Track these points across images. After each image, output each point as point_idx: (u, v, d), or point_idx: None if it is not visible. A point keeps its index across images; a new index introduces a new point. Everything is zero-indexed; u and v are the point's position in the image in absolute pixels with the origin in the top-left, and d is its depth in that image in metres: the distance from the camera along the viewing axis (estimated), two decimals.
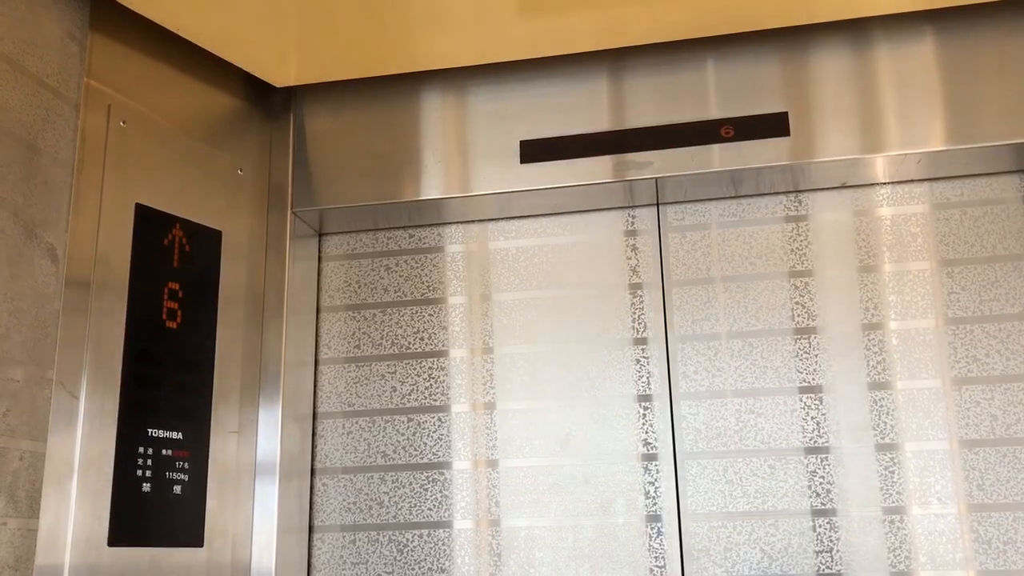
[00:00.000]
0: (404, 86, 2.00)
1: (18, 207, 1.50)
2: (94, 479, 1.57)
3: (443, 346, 2.01)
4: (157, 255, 1.73)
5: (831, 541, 1.78)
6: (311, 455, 2.00)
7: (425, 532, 1.92)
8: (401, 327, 2.04)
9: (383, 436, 1.99)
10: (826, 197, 1.93)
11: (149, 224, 1.73)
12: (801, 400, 1.85)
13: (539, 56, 1.94)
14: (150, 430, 1.66)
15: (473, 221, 2.06)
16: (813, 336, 1.87)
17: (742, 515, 1.82)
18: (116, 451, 1.60)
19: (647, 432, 1.89)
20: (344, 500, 1.97)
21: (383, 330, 2.05)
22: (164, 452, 1.68)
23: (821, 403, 1.84)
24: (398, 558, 1.92)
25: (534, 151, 1.90)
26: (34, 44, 1.57)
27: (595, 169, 1.88)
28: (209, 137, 1.88)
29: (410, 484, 1.95)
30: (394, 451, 1.98)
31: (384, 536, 1.94)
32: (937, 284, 1.86)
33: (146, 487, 1.64)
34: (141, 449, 1.64)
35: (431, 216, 2.04)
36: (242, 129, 1.97)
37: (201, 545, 1.71)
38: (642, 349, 1.93)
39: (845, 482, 1.80)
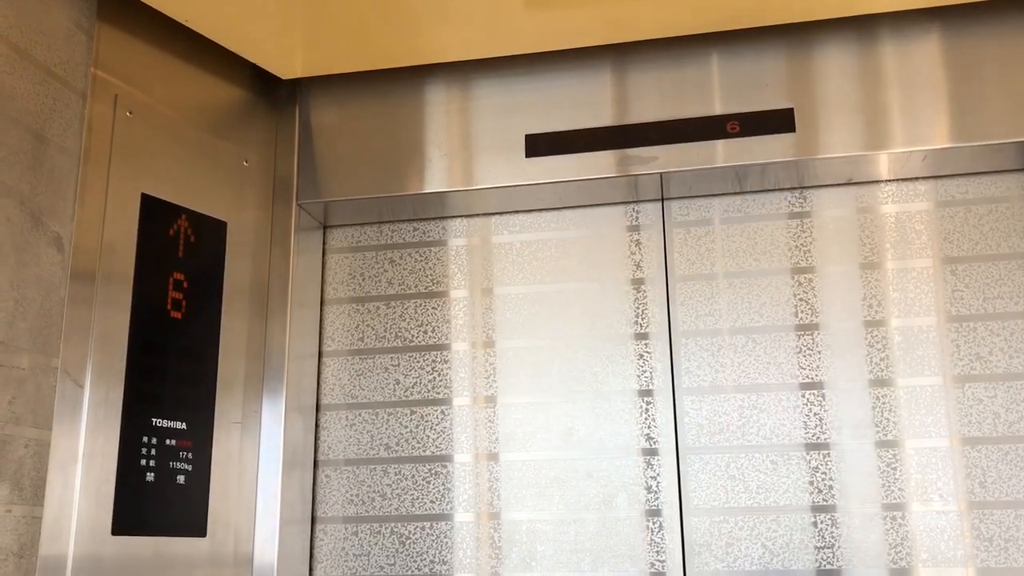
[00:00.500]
0: (410, 79, 2.00)
1: (25, 195, 1.51)
2: (98, 468, 1.57)
3: (446, 339, 2.02)
4: (162, 245, 1.74)
5: (832, 537, 1.78)
6: (314, 447, 2.00)
7: (427, 524, 1.93)
8: (405, 320, 2.04)
9: (386, 428, 1.99)
10: (831, 193, 1.93)
11: (155, 214, 1.73)
12: (803, 396, 1.85)
13: (545, 50, 1.94)
14: (154, 420, 1.67)
15: (478, 215, 2.06)
16: (816, 332, 1.88)
17: (744, 510, 1.82)
18: (120, 440, 1.61)
19: (649, 427, 1.89)
20: (347, 492, 1.97)
21: (387, 323, 2.05)
22: (168, 442, 1.68)
23: (823, 399, 1.84)
24: (400, 550, 1.93)
25: (539, 145, 1.91)
26: (42, 33, 1.57)
27: (600, 164, 1.88)
28: (215, 128, 1.89)
29: (413, 477, 1.96)
30: (397, 444, 1.98)
31: (386, 528, 1.94)
32: (940, 281, 1.86)
33: (150, 476, 1.64)
34: (145, 439, 1.65)
35: (436, 209, 2.04)
36: (248, 121, 1.97)
37: (204, 535, 1.71)
38: (645, 344, 1.93)
39: (847, 478, 1.80)
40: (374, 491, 1.96)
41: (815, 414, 1.84)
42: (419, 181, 1.96)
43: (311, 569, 1.95)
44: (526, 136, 1.92)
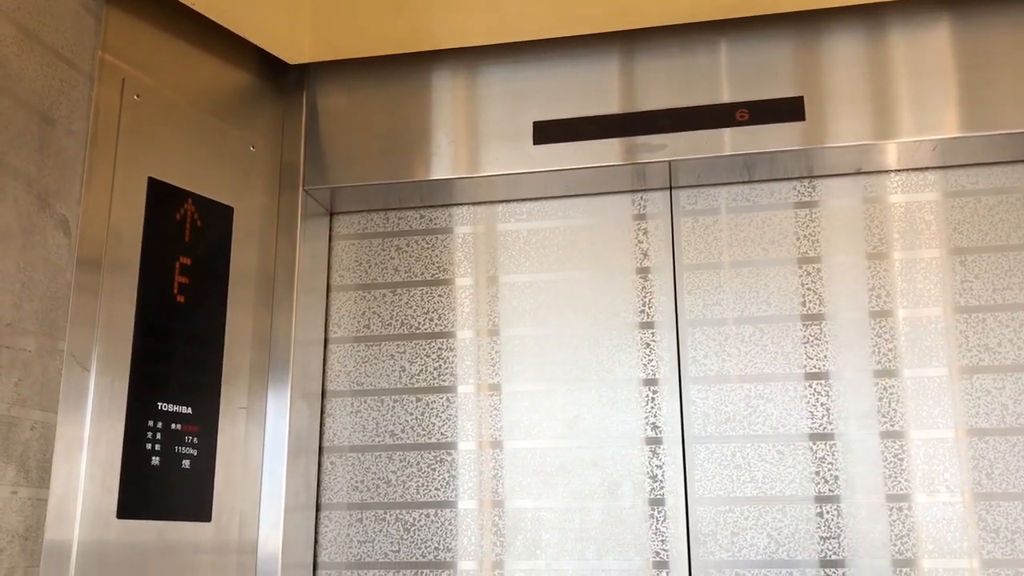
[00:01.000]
0: (417, 65, 1.99)
1: (32, 177, 1.50)
2: (104, 451, 1.57)
3: (452, 327, 2.01)
4: (169, 229, 1.73)
5: (838, 528, 1.78)
6: (319, 433, 2.00)
7: (432, 512, 1.93)
8: (411, 307, 2.04)
9: (391, 415, 1.99)
10: (840, 183, 1.92)
11: (161, 198, 1.73)
12: (810, 386, 1.85)
13: (553, 36, 1.93)
14: (160, 404, 1.67)
15: (485, 203, 2.06)
16: (823, 322, 1.87)
17: (749, 500, 1.82)
18: (126, 424, 1.61)
19: (655, 416, 1.88)
20: (352, 479, 1.97)
21: (393, 310, 2.05)
22: (173, 426, 1.68)
23: (830, 389, 1.84)
24: (405, 537, 1.92)
25: (548, 132, 1.90)
26: (49, 14, 1.56)
27: (609, 151, 1.87)
28: (222, 113, 1.88)
29: (418, 464, 1.95)
30: (402, 431, 1.98)
31: (391, 515, 1.94)
32: (949, 272, 1.85)
33: (155, 460, 1.64)
34: (151, 423, 1.65)
35: (443, 196, 2.04)
36: (255, 106, 1.96)
37: (209, 520, 1.71)
38: (651, 333, 1.93)
39: (853, 469, 1.80)
40: (379, 478, 1.96)
41: (821, 404, 1.83)
42: (426, 168, 1.95)
43: (315, 555, 1.95)
44: (534, 123, 1.92)
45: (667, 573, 1.82)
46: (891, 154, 1.85)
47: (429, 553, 1.91)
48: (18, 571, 1.42)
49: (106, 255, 1.62)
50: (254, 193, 1.91)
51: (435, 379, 1.99)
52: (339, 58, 2.01)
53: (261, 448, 1.84)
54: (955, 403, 1.79)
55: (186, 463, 1.69)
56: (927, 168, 1.90)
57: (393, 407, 1.99)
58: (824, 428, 1.82)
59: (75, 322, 1.56)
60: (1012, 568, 1.72)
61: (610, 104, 1.90)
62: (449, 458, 1.95)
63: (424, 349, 2.01)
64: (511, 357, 1.97)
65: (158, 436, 1.65)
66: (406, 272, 2.06)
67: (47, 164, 1.54)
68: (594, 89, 1.91)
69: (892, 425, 1.80)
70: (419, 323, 2.03)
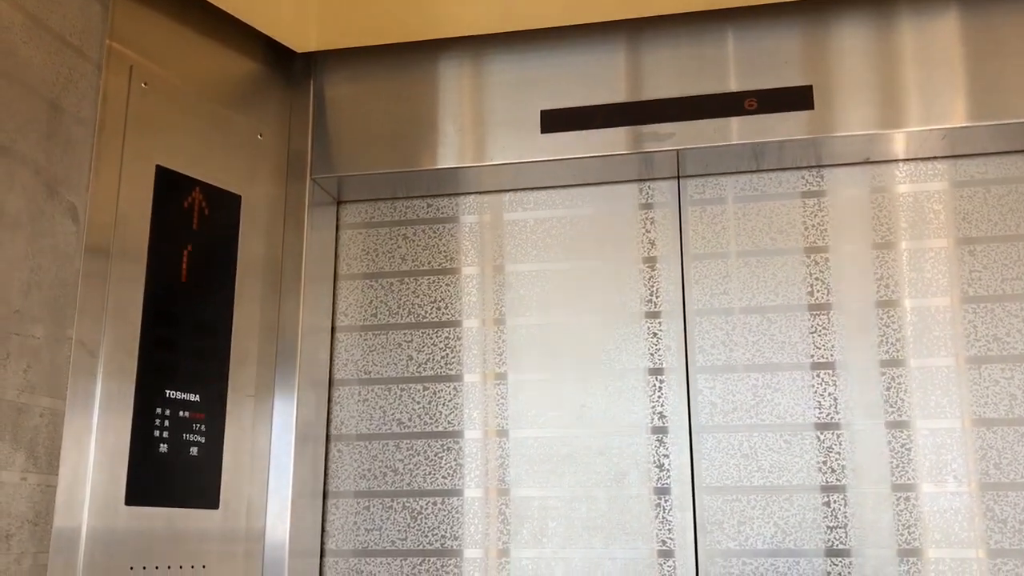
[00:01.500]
0: (424, 54, 1.99)
1: (40, 165, 1.50)
2: (112, 438, 1.58)
3: (459, 316, 2.01)
4: (177, 217, 1.74)
5: (844, 517, 1.78)
6: (327, 421, 2.01)
7: (439, 500, 1.93)
8: (418, 296, 2.04)
9: (399, 404, 1.99)
10: (847, 173, 1.92)
11: (169, 186, 1.73)
12: (817, 376, 1.84)
13: (561, 25, 1.92)
14: (168, 391, 1.67)
15: (491, 192, 2.05)
16: (830, 312, 1.87)
17: (756, 489, 1.82)
18: (134, 411, 1.61)
19: (662, 405, 1.89)
20: (359, 467, 1.98)
21: (400, 299, 2.05)
22: (181, 414, 1.68)
23: (837, 379, 1.83)
24: (412, 525, 1.93)
25: (555, 121, 1.90)
26: (57, 2, 1.56)
27: (616, 140, 1.87)
28: (229, 101, 1.88)
29: (425, 452, 1.96)
30: (409, 419, 1.98)
31: (398, 503, 1.95)
32: (957, 262, 1.85)
33: (163, 447, 1.65)
34: (159, 410, 1.65)
35: (450, 185, 2.04)
36: (262, 94, 1.96)
37: (216, 507, 1.72)
38: (658, 322, 1.93)
39: (859, 458, 1.80)
40: (386, 466, 1.97)
41: (828, 394, 1.83)
42: (433, 157, 1.95)
43: (323, 543, 1.95)
44: (541, 112, 1.91)
45: (673, 562, 1.82)
46: (899, 143, 1.84)
47: (436, 541, 1.91)
48: (27, 557, 1.43)
49: (114, 243, 1.63)
50: (261, 181, 1.92)
51: (442, 368, 1.99)
52: (346, 46, 2.01)
53: (269, 436, 1.85)
54: (962, 393, 1.79)
55: (194, 450, 1.70)
56: (935, 157, 1.89)
57: (400, 395, 2.00)
58: (831, 418, 1.82)
59: (83, 309, 1.57)
60: (1019, 558, 1.72)
61: (618, 92, 1.89)
62: (456, 447, 1.95)
63: (431, 338, 2.01)
64: (518, 346, 1.97)
65: (166, 423, 1.66)
66: (413, 261, 2.06)
67: (55, 152, 1.54)
68: (602, 77, 1.90)
69: (899, 415, 1.80)
70: (426, 312, 2.03)
